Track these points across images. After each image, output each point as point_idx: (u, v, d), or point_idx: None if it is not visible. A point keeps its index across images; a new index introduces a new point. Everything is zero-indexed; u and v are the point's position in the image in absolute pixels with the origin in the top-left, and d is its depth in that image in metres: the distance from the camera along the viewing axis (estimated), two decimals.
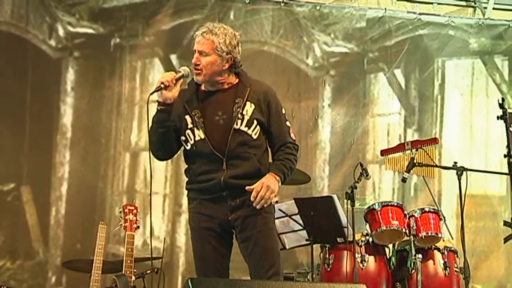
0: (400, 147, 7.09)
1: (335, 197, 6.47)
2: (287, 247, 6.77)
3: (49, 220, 7.85)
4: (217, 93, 4.76)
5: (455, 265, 6.55)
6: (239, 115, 4.67)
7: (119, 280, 5.82)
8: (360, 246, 6.48)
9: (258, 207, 4.59)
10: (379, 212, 6.53)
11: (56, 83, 8.04)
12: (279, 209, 6.40)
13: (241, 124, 4.67)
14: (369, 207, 6.68)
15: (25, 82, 7.91)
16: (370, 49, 8.89)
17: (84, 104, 8.09)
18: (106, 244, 6.45)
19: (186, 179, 4.91)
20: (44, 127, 7.98)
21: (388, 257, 6.63)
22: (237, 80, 4.80)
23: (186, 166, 4.89)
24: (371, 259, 6.50)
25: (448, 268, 6.49)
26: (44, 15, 8.05)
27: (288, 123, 4.84)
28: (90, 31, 8.20)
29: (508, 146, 5.41)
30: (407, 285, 6.44)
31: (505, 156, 5.42)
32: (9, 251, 7.73)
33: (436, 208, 6.74)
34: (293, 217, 6.60)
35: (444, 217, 6.66)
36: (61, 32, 8.11)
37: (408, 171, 6.50)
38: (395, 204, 6.67)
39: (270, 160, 4.86)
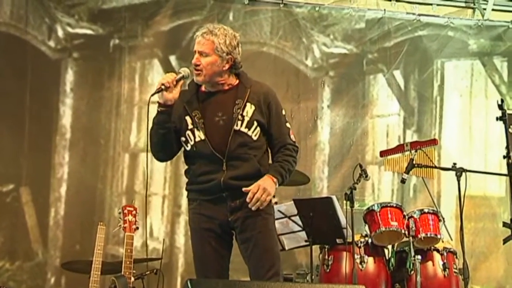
0: (399, 148, 7.08)
1: (334, 198, 6.47)
2: (286, 248, 6.77)
3: (48, 221, 7.85)
4: (217, 94, 4.76)
5: (454, 266, 6.55)
6: (239, 116, 4.67)
7: (118, 281, 5.81)
8: (359, 247, 6.48)
9: (253, 208, 4.59)
10: (378, 213, 6.53)
11: (55, 84, 8.04)
12: (278, 210, 6.40)
13: (241, 125, 4.67)
14: (368, 208, 6.68)
15: (25, 83, 7.91)
16: (369, 50, 8.90)
17: (83, 105, 8.10)
18: (105, 245, 6.45)
19: (185, 180, 4.91)
20: (43, 128, 7.98)
21: (387, 258, 6.63)
22: (237, 81, 4.80)
23: (185, 167, 4.89)
24: (370, 260, 6.50)
25: (447, 269, 6.49)
26: (43, 16, 8.06)
27: (288, 125, 4.84)
28: (89, 32, 8.20)
29: (507, 147, 5.42)
30: (406, 286, 6.44)
31: (504, 157, 5.43)
32: (8, 252, 7.73)
33: (435, 209, 6.74)
34: (292, 218, 6.61)
35: (443, 218, 6.66)
36: (60, 33, 8.11)
37: (407, 172, 6.50)
38: (394, 205, 6.67)
39: (270, 161, 4.86)
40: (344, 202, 6.22)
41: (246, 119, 4.68)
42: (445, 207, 8.35)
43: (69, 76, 8.10)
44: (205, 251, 4.72)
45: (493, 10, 9.09)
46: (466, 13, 9.25)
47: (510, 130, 5.54)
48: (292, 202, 6.56)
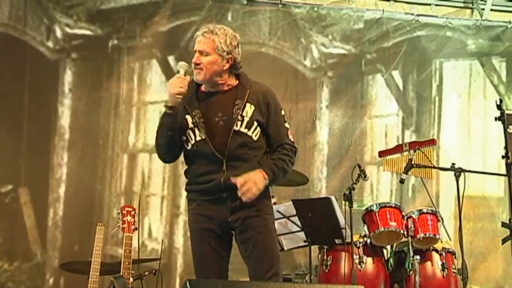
0: (398, 148, 7.08)
1: (333, 198, 6.47)
2: (285, 248, 6.76)
3: (47, 222, 7.85)
4: (217, 95, 4.76)
5: (453, 266, 6.55)
6: (239, 117, 4.66)
7: (117, 282, 5.81)
8: (358, 248, 6.47)
9: (243, 199, 4.57)
10: (377, 214, 6.52)
11: (54, 85, 8.04)
12: (277, 211, 6.39)
13: (241, 126, 4.66)
14: (367, 208, 6.68)
15: (23, 84, 7.91)
16: (368, 51, 8.90)
17: (82, 106, 8.10)
18: (104, 245, 6.46)
19: (184, 180, 4.90)
20: (42, 128, 7.98)
21: (386, 258, 6.63)
22: (236, 82, 4.80)
23: (184, 168, 4.89)
24: (369, 261, 6.50)
25: (446, 269, 6.49)
26: (42, 16, 8.06)
27: (287, 125, 4.83)
28: (87, 32, 8.20)
29: (506, 147, 5.41)
30: (405, 286, 6.43)
31: (503, 157, 5.42)
32: (7, 253, 7.73)
33: (434, 209, 6.73)
34: (291, 218, 6.61)
35: (442, 218, 6.66)
36: (58, 33, 8.12)
37: (406, 172, 6.50)
38: (393, 206, 6.66)
39: None
40: (343, 202, 6.22)
41: (246, 119, 4.68)
42: (444, 207, 8.34)
43: (68, 77, 8.10)
44: (205, 251, 4.72)
45: (491, 10, 9.09)
46: (464, 13, 9.25)
47: (508, 130, 5.53)
48: (291, 202, 6.56)
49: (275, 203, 6.15)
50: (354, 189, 6.25)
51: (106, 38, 8.24)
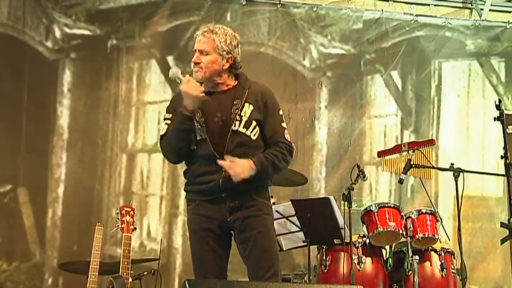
0: (397, 149, 7.08)
1: (332, 198, 6.47)
2: (284, 248, 6.76)
3: (45, 222, 7.85)
4: (216, 95, 4.76)
5: (452, 267, 6.55)
6: (237, 117, 4.67)
7: (116, 282, 5.81)
8: (357, 248, 6.48)
9: (223, 164, 4.56)
10: (376, 214, 6.52)
11: (53, 85, 8.04)
12: (276, 211, 6.40)
13: (239, 125, 4.67)
14: (366, 208, 6.68)
15: (22, 84, 7.91)
16: (366, 51, 8.90)
17: (80, 106, 8.09)
18: (103, 245, 6.46)
19: (183, 181, 4.90)
20: (40, 128, 7.97)
21: (385, 258, 6.63)
22: (236, 82, 4.80)
23: (183, 168, 4.89)
24: (368, 261, 6.50)
25: (445, 270, 6.49)
26: (41, 16, 8.05)
27: (284, 124, 4.82)
28: (86, 32, 8.20)
29: (505, 148, 5.41)
30: (404, 286, 6.43)
31: (501, 157, 5.42)
32: (5, 253, 7.72)
33: (433, 209, 6.73)
34: (290, 218, 6.60)
35: (441, 219, 6.66)
36: (57, 33, 8.11)
37: (405, 172, 6.50)
38: (392, 206, 6.67)
39: None
40: (342, 202, 6.22)
41: (244, 119, 4.68)
42: (442, 208, 8.34)
43: (67, 77, 8.10)
44: (204, 251, 4.72)
45: (490, 10, 9.10)
46: (463, 14, 9.26)
47: (507, 130, 5.54)
48: (290, 202, 6.55)
49: (274, 203, 6.15)
50: (353, 189, 6.26)
51: (105, 38, 8.23)
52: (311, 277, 6.72)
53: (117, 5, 8.26)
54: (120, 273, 5.97)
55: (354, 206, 6.28)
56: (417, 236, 6.46)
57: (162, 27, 8.39)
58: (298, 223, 6.57)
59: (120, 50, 8.26)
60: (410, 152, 6.78)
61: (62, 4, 8.14)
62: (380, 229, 6.46)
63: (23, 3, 8.00)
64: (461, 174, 6.01)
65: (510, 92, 9.17)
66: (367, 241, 6.55)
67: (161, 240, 7.58)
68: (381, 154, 7.26)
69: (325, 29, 8.82)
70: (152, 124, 8.22)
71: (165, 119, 4.83)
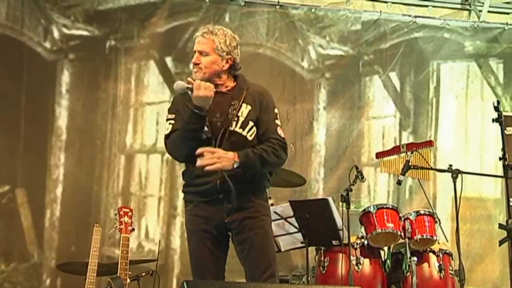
0: (395, 150, 7.08)
1: (330, 199, 6.47)
2: (282, 249, 6.77)
3: (44, 223, 7.84)
4: (215, 96, 4.75)
5: (450, 268, 6.55)
6: (235, 117, 4.67)
7: (114, 283, 5.81)
8: (355, 249, 6.48)
9: (198, 163, 4.54)
10: (374, 215, 6.53)
11: (51, 85, 8.04)
12: (274, 212, 6.40)
13: (235, 126, 4.67)
14: (364, 209, 6.68)
15: (20, 84, 7.90)
16: (365, 52, 8.90)
17: (79, 106, 8.09)
18: (101, 246, 6.45)
19: (181, 182, 4.90)
20: (39, 129, 7.96)
21: (383, 259, 6.63)
22: (234, 83, 4.81)
23: (181, 169, 4.89)
24: (366, 262, 6.50)
25: (443, 271, 6.49)
26: (39, 17, 8.05)
27: (278, 122, 4.79)
28: (85, 33, 8.19)
29: (503, 149, 5.41)
30: (402, 287, 6.44)
31: (500, 159, 5.42)
32: (3, 254, 7.72)
33: (431, 210, 6.74)
34: (288, 219, 6.60)
35: (439, 220, 6.66)
36: (56, 34, 8.10)
37: (403, 173, 6.49)
38: (390, 207, 6.67)
39: None
40: (340, 203, 6.22)
41: (241, 119, 4.68)
42: (441, 209, 8.35)
43: (65, 77, 8.09)
44: (202, 252, 4.72)
45: (489, 12, 9.11)
46: (462, 15, 9.27)
47: (506, 131, 5.54)
48: (288, 203, 6.55)
49: (272, 204, 6.16)
50: (351, 190, 6.25)
51: (104, 39, 8.23)
52: (309, 278, 6.72)
53: (116, 6, 8.26)
54: (118, 274, 5.96)
55: (352, 207, 6.28)
56: (415, 237, 6.46)
57: (160, 28, 8.38)
58: (296, 224, 6.57)
59: (119, 51, 8.25)
60: (409, 153, 6.78)
61: (60, 4, 8.13)
62: (378, 230, 6.46)
63: (22, 3, 8.00)
64: (459, 175, 6.00)
65: (509, 94, 9.17)
66: (365, 242, 6.55)
67: (159, 241, 7.57)
68: (379, 155, 7.27)
69: (324, 30, 8.82)
70: (150, 125, 8.22)
71: (168, 119, 4.81)
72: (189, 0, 8.47)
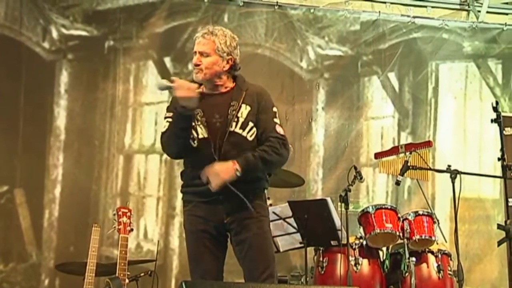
0: (394, 150, 7.08)
1: (329, 200, 6.47)
2: (281, 250, 6.76)
3: (42, 223, 7.84)
4: (214, 96, 4.77)
5: (449, 268, 6.55)
6: (235, 118, 4.67)
7: (113, 283, 5.81)
8: (354, 249, 6.47)
9: (203, 179, 4.57)
10: (373, 215, 6.53)
11: (50, 86, 8.03)
12: (273, 212, 6.40)
13: (235, 126, 4.67)
14: (363, 210, 6.68)
15: (19, 84, 7.89)
16: (364, 52, 8.90)
17: (77, 107, 8.08)
18: (99, 246, 6.44)
19: (180, 182, 4.90)
20: (37, 129, 7.96)
21: (382, 260, 6.62)
22: (234, 84, 4.81)
23: (180, 169, 4.90)
24: (365, 262, 6.50)
25: (441, 271, 6.49)
26: (38, 17, 8.04)
27: (276, 120, 4.78)
28: (84, 33, 8.19)
29: (501, 149, 5.41)
30: None
31: (498, 159, 5.42)
32: (2, 254, 7.71)
33: (429, 211, 6.74)
34: (287, 220, 6.60)
35: (437, 220, 6.66)
36: (55, 34, 8.10)
37: (402, 174, 6.50)
38: (389, 207, 6.67)
39: None
40: (339, 204, 6.22)
41: (241, 120, 4.68)
42: (439, 209, 8.35)
43: (64, 78, 8.09)
44: (200, 252, 4.72)
45: (487, 12, 9.11)
46: (460, 15, 9.27)
47: (504, 132, 5.56)
48: (287, 204, 6.55)
49: (271, 205, 6.15)
50: (350, 190, 6.25)
51: (102, 39, 8.23)
52: (308, 279, 6.71)
53: (114, 6, 8.25)
54: (116, 274, 5.96)
55: (351, 207, 6.28)
56: (414, 238, 6.46)
57: (159, 28, 8.38)
58: (295, 225, 6.57)
59: (117, 51, 8.25)
60: (407, 153, 6.79)
61: (59, 5, 8.13)
62: (377, 230, 6.46)
63: (20, 3, 7.99)
64: (458, 176, 6.00)
65: (507, 94, 9.18)
66: (364, 242, 6.55)
67: (158, 241, 7.56)
68: (378, 155, 7.27)
69: (322, 31, 8.82)
70: (149, 125, 8.22)
71: (166, 117, 4.82)
72: (188, 0, 8.47)
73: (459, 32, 9.14)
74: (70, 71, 8.10)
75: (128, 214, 6.24)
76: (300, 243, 6.61)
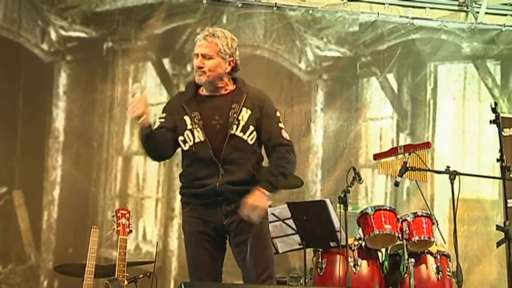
0: (393, 151, 7.09)
1: (328, 201, 6.47)
2: (280, 251, 6.76)
3: (41, 224, 7.83)
4: (214, 98, 4.77)
5: (448, 269, 6.54)
6: (235, 121, 4.67)
7: (112, 285, 5.81)
8: (353, 250, 6.46)
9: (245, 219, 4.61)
10: (372, 216, 6.52)
11: (49, 87, 8.03)
12: (272, 213, 6.39)
13: (236, 129, 4.67)
14: (362, 211, 6.67)
15: (17, 86, 7.89)
16: (362, 53, 8.91)
17: (76, 108, 8.08)
18: (98, 248, 6.44)
19: (179, 183, 4.90)
20: (36, 131, 7.96)
21: (381, 261, 6.61)
22: (234, 86, 4.81)
23: (179, 170, 4.90)
24: (364, 263, 6.49)
25: (440, 272, 6.48)
26: (36, 19, 8.04)
27: (281, 125, 4.81)
28: (82, 35, 8.19)
29: (500, 150, 5.41)
30: None
31: (497, 160, 5.42)
32: (0, 255, 7.71)
33: (428, 212, 6.73)
34: (286, 221, 6.59)
35: (436, 221, 6.66)
36: (53, 36, 8.10)
37: (400, 175, 6.49)
38: (388, 208, 6.66)
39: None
40: (338, 205, 6.21)
41: (242, 123, 4.68)
42: (438, 210, 8.35)
43: (62, 79, 8.09)
44: (199, 253, 4.72)
45: (486, 13, 9.11)
46: (459, 17, 9.27)
47: (503, 133, 5.55)
48: (286, 205, 6.55)
49: (270, 206, 6.13)
50: (349, 192, 6.24)
51: (101, 40, 8.23)
52: (307, 280, 6.71)
53: (113, 8, 8.25)
54: (115, 276, 5.96)
55: (350, 208, 6.28)
56: (413, 239, 6.46)
57: (158, 30, 8.38)
58: (294, 226, 6.57)
59: (116, 52, 8.25)
60: (406, 154, 6.80)
61: (57, 6, 8.13)
62: (376, 231, 6.45)
63: (19, 5, 7.99)
64: (456, 177, 6.00)
65: (506, 95, 9.18)
66: (363, 243, 6.54)
67: (157, 243, 7.55)
68: (377, 156, 7.28)
69: (321, 32, 8.82)
70: None
71: (159, 117, 4.84)
72: (187, 1, 8.47)
73: (458, 33, 9.15)
74: (68, 72, 8.10)
75: (127, 215, 6.24)
76: (299, 244, 6.61)
